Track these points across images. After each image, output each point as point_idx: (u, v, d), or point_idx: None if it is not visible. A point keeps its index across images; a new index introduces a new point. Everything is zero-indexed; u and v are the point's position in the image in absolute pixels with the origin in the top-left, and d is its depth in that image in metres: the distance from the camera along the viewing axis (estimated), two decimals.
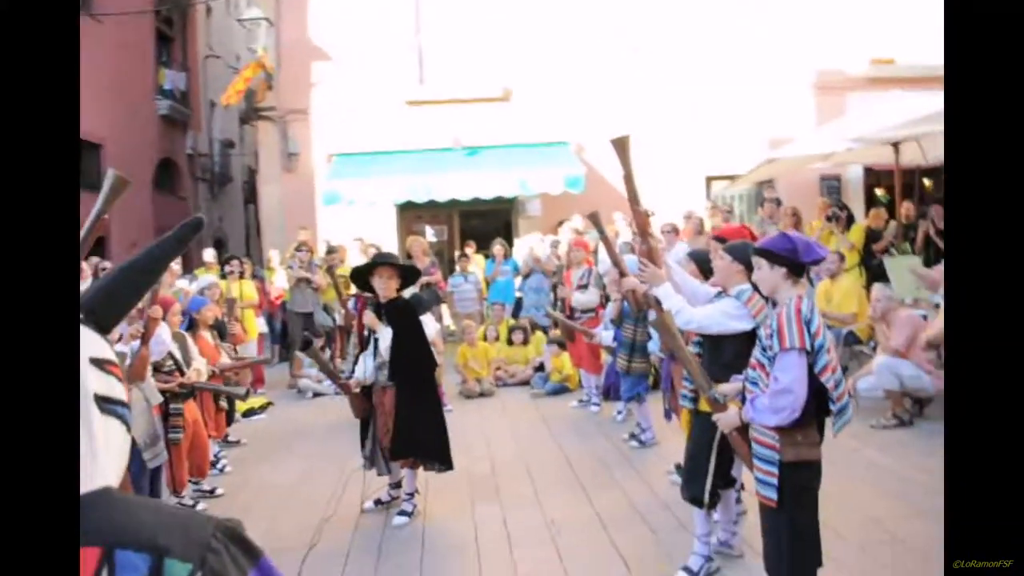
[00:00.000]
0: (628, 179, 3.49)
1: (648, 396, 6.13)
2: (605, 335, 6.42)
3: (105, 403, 0.96)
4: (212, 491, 5.46)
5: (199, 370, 5.23)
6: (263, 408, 8.12)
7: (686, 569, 3.66)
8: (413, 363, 4.70)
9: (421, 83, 12.90)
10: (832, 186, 12.82)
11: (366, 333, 4.86)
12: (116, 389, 0.99)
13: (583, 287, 7.39)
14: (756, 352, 2.98)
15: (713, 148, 12.50)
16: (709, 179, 12.99)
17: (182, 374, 5.04)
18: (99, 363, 0.98)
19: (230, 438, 6.65)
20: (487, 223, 13.38)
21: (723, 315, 3.49)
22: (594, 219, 3.81)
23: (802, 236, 3.06)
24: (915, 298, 3.99)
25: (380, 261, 4.84)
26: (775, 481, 2.85)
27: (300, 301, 9.47)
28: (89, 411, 0.94)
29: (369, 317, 4.78)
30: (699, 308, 3.59)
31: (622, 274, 3.89)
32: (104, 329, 1.04)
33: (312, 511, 4.92)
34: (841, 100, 12.76)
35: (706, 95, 12.54)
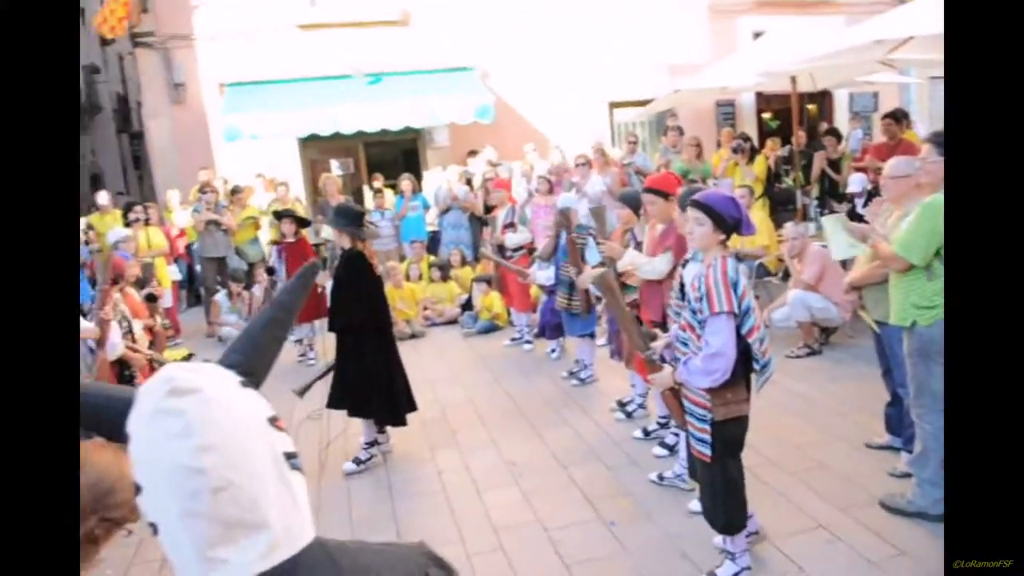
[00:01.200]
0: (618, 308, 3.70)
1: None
2: (540, 275, 6.49)
3: (290, 459, 0.98)
4: None
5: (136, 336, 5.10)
6: (185, 360, 7.88)
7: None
8: (350, 317, 4.68)
9: (313, 5, 12.21)
10: (727, 112, 13.34)
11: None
12: (289, 443, 1.02)
13: (510, 226, 7.48)
14: (686, 314, 3.08)
15: (614, 74, 12.65)
16: (612, 105, 13.18)
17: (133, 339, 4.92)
18: (272, 421, 1.00)
19: None
20: (390, 153, 13.08)
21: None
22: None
23: (742, 205, 3.23)
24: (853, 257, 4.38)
25: (338, 224, 4.71)
26: (708, 438, 3.05)
27: (210, 245, 8.99)
28: (284, 471, 0.96)
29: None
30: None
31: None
32: (259, 386, 1.08)
33: None
34: (732, 24, 13.20)
35: (606, 20, 12.58)
